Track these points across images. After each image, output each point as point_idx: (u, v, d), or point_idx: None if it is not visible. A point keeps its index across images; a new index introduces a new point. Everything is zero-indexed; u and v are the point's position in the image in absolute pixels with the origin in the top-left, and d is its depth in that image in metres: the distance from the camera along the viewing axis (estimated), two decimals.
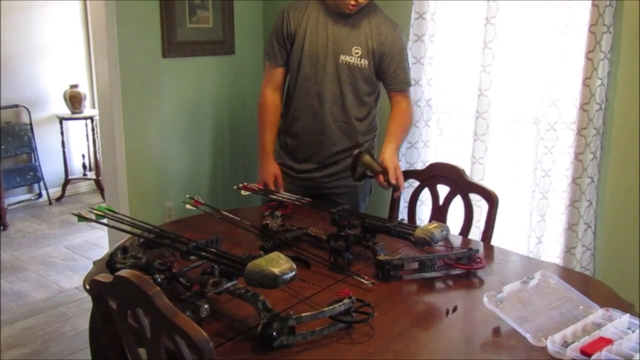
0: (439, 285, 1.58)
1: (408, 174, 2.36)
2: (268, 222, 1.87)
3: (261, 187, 2.21)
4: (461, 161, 2.62)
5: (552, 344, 1.23)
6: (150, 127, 3.02)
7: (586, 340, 1.24)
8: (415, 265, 1.60)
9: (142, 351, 1.16)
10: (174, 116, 3.11)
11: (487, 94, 2.53)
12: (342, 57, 2.14)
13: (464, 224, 2.11)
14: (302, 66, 2.18)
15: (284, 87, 2.33)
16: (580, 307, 1.38)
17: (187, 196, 1.98)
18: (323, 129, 2.23)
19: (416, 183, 2.32)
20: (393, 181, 2.01)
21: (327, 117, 2.21)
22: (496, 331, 1.32)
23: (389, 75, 2.17)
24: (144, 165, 3.03)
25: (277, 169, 2.33)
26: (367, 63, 2.14)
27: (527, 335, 1.27)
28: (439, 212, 2.16)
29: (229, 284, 1.33)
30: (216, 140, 3.33)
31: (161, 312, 1.02)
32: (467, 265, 1.61)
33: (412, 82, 2.24)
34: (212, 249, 1.43)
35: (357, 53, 2.13)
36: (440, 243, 1.65)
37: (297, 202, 1.98)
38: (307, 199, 2.00)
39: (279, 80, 2.29)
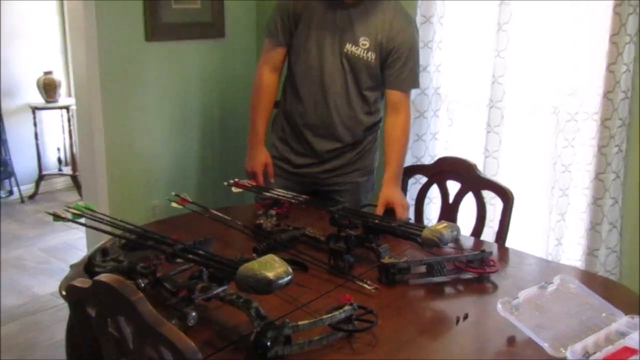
0: (448, 290, 1.58)
1: (415, 170, 2.37)
2: (262, 221, 1.87)
3: (254, 184, 2.21)
4: (473, 155, 2.62)
5: (572, 354, 1.23)
6: (132, 118, 3.01)
7: (609, 350, 1.24)
8: (423, 268, 1.60)
9: None
10: (159, 106, 3.10)
11: (502, 81, 2.53)
12: (347, 46, 2.12)
13: (476, 223, 2.11)
14: (308, 52, 2.17)
15: (282, 69, 2.31)
16: (603, 314, 1.39)
17: (173, 193, 1.98)
18: (325, 122, 2.22)
19: (424, 179, 2.32)
20: (404, 217, 2.04)
21: (330, 109, 2.20)
22: (511, 340, 1.33)
23: (391, 72, 2.14)
24: (126, 160, 3.03)
25: (267, 157, 2.33)
26: (374, 57, 2.13)
27: (545, 345, 1.28)
28: (449, 211, 2.17)
29: (219, 290, 1.33)
30: (205, 133, 3.33)
31: (145, 320, 1.03)
32: (480, 269, 1.62)
33: (419, 83, 2.24)
34: (200, 251, 1.43)
35: (365, 45, 2.11)
36: (450, 244, 1.66)
37: (293, 200, 1.99)
38: (304, 196, 2.01)
39: (278, 61, 2.27)
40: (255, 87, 2.31)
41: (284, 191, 2.06)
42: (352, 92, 2.18)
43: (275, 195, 2.03)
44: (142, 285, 1.40)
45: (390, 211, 2.06)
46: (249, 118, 2.34)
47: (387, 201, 2.08)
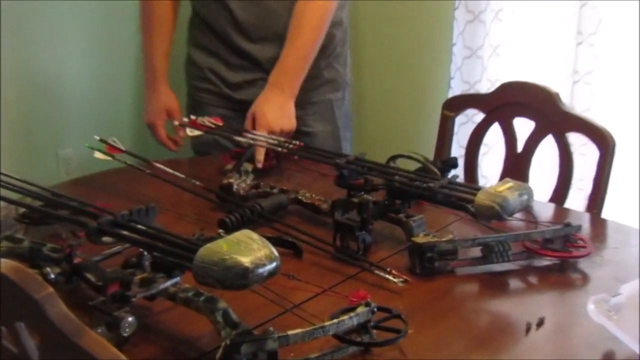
0: (514, 283, 1.60)
1: (465, 101, 2.36)
2: (232, 181, 1.88)
3: (219, 123, 2.21)
4: (554, 79, 2.61)
5: None
6: (37, 32, 3.01)
7: None
8: (477, 251, 1.61)
9: None
10: (77, 13, 3.10)
11: None
12: None
13: (558, 183, 2.12)
14: None
15: None
16: None
17: (98, 138, 1.98)
18: (261, 16, 2.28)
19: (479, 116, 2.32)
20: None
21: None
22: (608, 356, 1.34)
23: None
24: (27, 90, 3.03)
25: (170, 99, 2.40)
26: None
27: None
28: (517, 165, 2.18)
29: (168, 283, 1.34)
30: None
31: (56, 327, 1.03)
32: (562, 252, 1.62)
33: None
34: (139, 226, 1.43)
35: None
36: (517, 215, 1.66)
37: (280, 149, 1.98)
38: (296, 142, 2.01)
39: None
40: (141, 2, 2.39)
41: (266, 134, 2.06)
42: None
43: (253, 141, 2.02)
44: (52, 276, 1.41)
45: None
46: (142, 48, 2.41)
47: (253, 115, 2.13)
